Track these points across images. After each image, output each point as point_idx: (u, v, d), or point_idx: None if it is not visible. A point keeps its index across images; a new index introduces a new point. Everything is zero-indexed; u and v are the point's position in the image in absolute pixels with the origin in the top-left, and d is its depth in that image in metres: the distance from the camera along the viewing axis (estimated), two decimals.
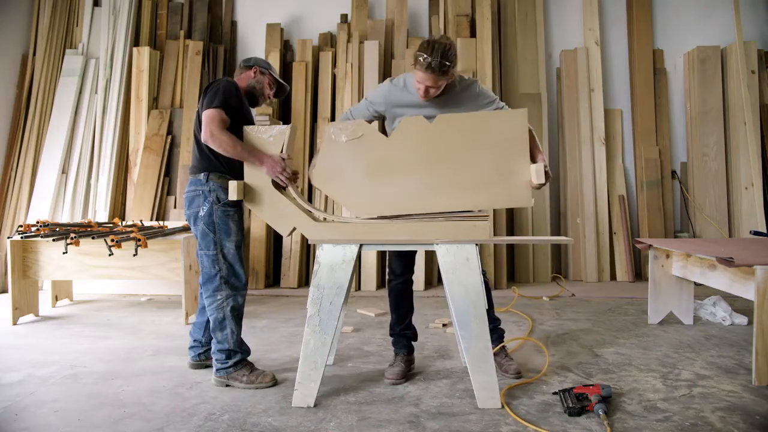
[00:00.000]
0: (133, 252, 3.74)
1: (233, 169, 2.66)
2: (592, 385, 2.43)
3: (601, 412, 2.23)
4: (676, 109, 5.89)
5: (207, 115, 2.57)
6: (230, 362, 2.69)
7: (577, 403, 2.30)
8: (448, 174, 2.48)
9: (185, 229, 4.23)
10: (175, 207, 5.47)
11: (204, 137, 2.56)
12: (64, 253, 3.81)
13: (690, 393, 2.55)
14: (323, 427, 2.24)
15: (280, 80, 2.93)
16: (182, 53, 5.80)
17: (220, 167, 2.68)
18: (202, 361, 2.96)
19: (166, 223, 4.75)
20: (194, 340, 2.96)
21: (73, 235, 3.81)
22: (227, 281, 2.69)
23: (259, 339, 3.52)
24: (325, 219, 2.60)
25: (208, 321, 2.86)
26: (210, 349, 2.88)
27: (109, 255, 3.72)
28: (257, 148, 2.59)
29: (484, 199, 2.48)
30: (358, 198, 2.53)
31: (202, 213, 2.66)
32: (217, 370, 2.71)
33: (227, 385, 2.69)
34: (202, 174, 2.68)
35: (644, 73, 5.76)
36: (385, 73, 5.65)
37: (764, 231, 5.09)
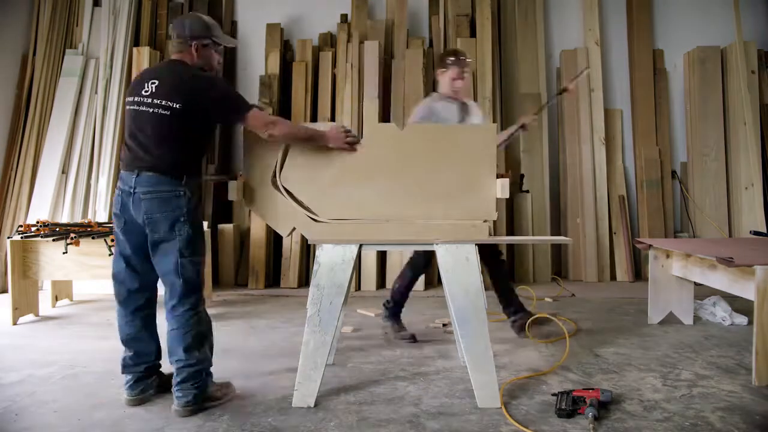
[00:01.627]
0: None
1: (200, 169, 2.51)
2: (592, 389, 2.41)
3: (590, 415, 2.23)
4: (676, 109, 5.88)
5: (253, 117, 2.37)
6: (206, 381, 2.42)
7: (569, 406, 2.30)
8: (416, 182, 2.50)
9: None
10: None
11: (267, 135, 2.39)
12: (64, 253, 3.81)
13: (690, 393, 2.55)
14: (323, 427, 2.24)
15: (223, 40, 2.49)
16: None
17: (194, 167, 2.44)
18: (144, 395, 2.49)
19: None
20: (146, 368, 2.48)
21: (73, 235, 3.81)
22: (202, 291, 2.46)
23: (259, 339, 3.52)
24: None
25: (152, 333, 2.54)
26: (154, 367, 2.54)
27: (109, 255, 3.72)
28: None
29: (449, 210, 2.50)
30: (324, 200, 2.52)
31: (185, 216, 2.35)
32: (194, 396, 2.34)
33: (199, 411, 2.36)
34: (179, 173, 2.36)
35: (644, 73, 5.76)
36: (385, 73, 5.64)
37: (764, 231, 5.09)
